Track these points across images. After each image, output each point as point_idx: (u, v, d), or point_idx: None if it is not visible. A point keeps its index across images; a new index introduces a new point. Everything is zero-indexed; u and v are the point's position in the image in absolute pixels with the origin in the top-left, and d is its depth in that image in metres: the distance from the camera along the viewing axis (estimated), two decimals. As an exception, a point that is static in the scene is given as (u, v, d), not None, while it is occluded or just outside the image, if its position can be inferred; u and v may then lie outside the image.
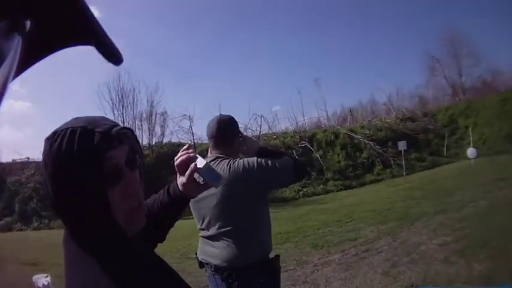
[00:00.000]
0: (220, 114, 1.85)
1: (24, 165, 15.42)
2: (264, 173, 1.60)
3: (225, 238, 1.65)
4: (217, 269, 1.67)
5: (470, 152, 11.69)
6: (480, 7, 32.56)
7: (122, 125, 0.74)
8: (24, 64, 0.51)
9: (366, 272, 4.64)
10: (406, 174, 12.03)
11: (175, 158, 0.96)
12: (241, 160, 1.63)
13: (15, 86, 27.76)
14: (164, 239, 1.02)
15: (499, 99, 15.38)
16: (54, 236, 6.12)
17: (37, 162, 14.34)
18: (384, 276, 4.44)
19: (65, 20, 0.52)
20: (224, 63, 37.62)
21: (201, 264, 1.79)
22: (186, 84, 34.52)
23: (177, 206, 0.98)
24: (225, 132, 1.74)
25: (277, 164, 1.61)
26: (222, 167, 1.61)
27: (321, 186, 12.48)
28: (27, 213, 13.05)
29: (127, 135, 0.71)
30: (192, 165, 0.91)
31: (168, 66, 35.49)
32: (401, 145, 11.91)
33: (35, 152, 14.93)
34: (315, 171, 13.34)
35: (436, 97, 25.88)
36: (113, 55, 0.55)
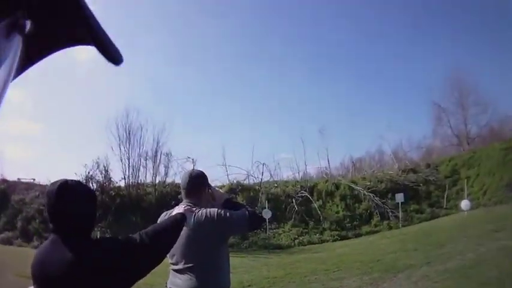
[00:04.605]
0: (192, 169, 2.34)
1: (29, 186, 15.65)
2: (221, 223, 1.94)
3: (188, 272, 1.95)
4: None
5: (464, 204, 11.64)
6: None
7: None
8: (25, 64, 0.53)
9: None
10: (403, 226, 11.77)
11: None
12: (205, 210, 1.96)
13: (28, 107, 27.63)
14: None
15: (502, 147, 15.04)
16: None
17: (42, 186, 14.74)
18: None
19: (65, 20, 0.53)
20: (231, 106, 37.26)
21: None
22: (191, 123, 33.68)
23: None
24: (195, 185, 2.09)
25: (233, 216, 1.96)
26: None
27: (317, 235, 12.34)
28: (29, 231, 13.04)
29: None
30: None
31: (175, 105, 34.85)
32: (399, 197, 11.92)
33: (41, 173, 14.72)
34: (313, 220, 13.39)
35: (443, 147, 25.50)
36: (112, 55, 0.59)
